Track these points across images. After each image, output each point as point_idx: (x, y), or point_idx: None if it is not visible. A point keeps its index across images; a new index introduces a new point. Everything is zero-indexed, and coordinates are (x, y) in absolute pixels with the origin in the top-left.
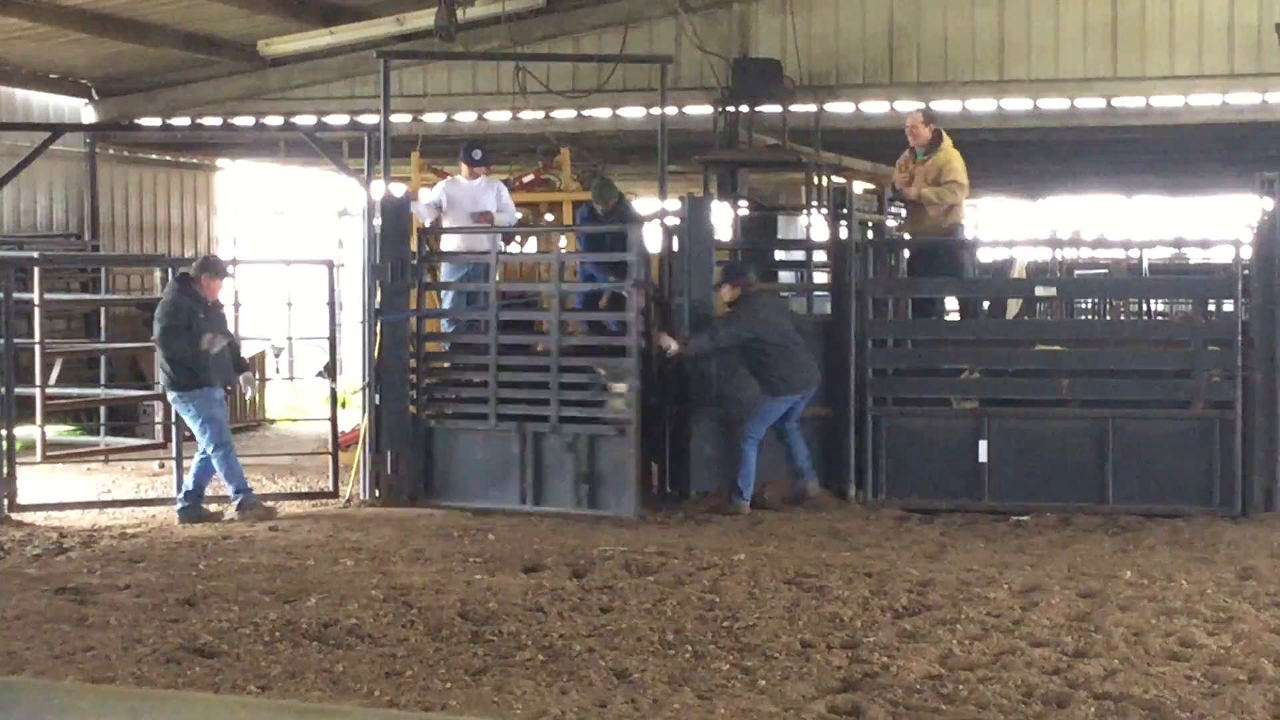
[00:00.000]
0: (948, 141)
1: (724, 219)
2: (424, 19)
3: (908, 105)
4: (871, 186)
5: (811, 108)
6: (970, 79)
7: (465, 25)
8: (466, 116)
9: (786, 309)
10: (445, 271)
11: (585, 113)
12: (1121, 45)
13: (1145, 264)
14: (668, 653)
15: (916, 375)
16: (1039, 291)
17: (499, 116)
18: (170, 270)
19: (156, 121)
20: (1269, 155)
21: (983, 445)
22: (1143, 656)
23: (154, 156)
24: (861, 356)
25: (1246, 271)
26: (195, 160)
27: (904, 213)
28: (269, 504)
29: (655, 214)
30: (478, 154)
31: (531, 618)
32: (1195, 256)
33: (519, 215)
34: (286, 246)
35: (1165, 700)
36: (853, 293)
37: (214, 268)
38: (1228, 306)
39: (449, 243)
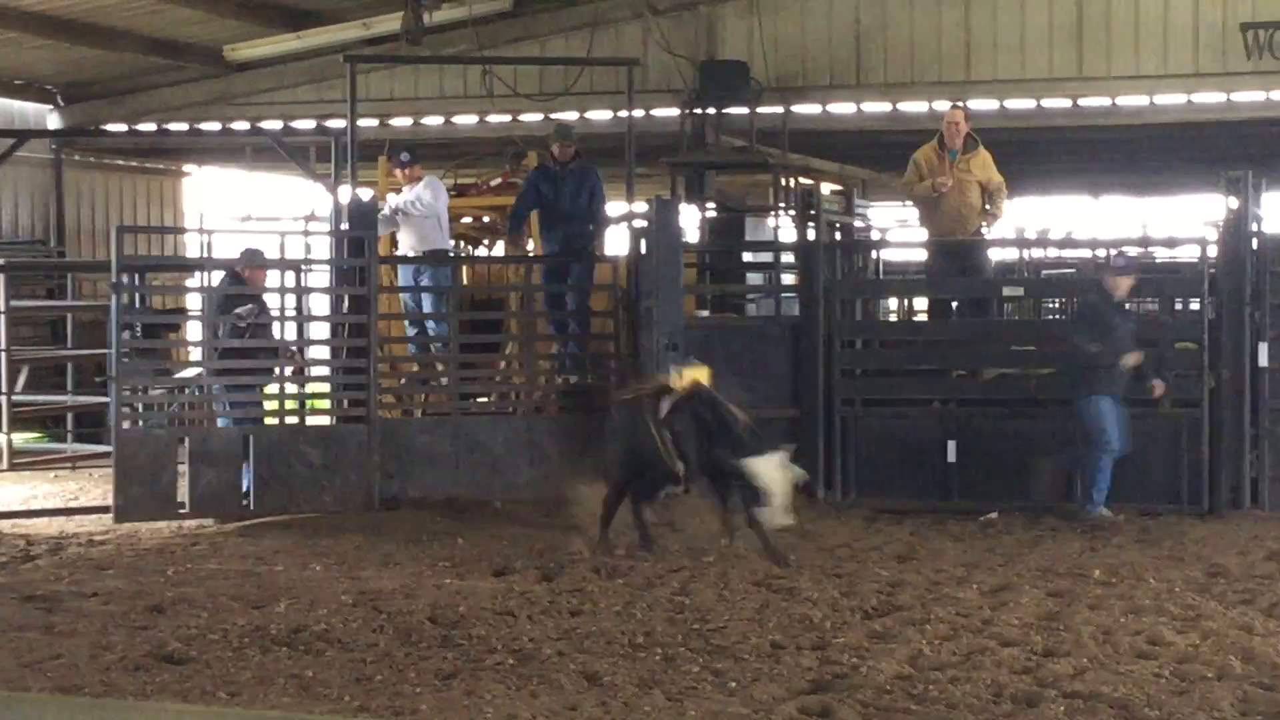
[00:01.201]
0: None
1: (692, 221)
2: (391, 23)
3: (875, 106)
4: (839, 188)
5: (778, 109)
6: (937, 80)
7: (432, 29)
8: (434, 120)
9: None
10: (401, 276)
11: (552, 115)
12: (1087, 45)
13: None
14: (638, 655)
15: (885, 376)
16: (1006, 291)
17: (466, 120)
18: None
19: (123, 127)
20: (1234, 154)
21: (951, 445)
22: (1112, 655)
23: (120, 162)
24: (830, 357)
25: (1213, 270)
26: (162, 166)
27: (917, 210)
28: None
29: (623, 216)
30: (405, 156)
31: (501, 621)
32: (1162, 255)
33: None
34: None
35: (1134, 698)
36: (821, 294)
37: (255, 258)
38: (1194, 305)
39: (405, 250)
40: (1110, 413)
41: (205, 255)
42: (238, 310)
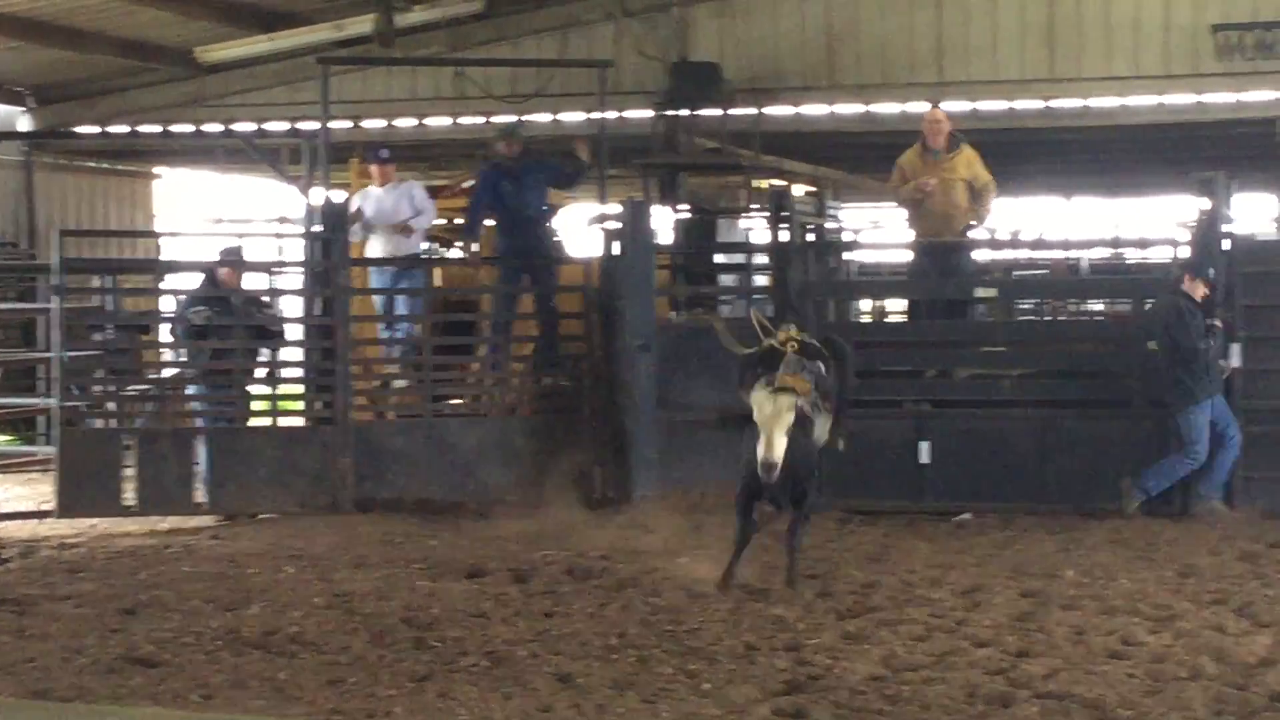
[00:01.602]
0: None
1: (664, 223)
2: (363, 25)
3: (847, 108)
4: (812, 189)
5: (751, 111)
6: (909, 81)
7: (404, 31)
8: (406, 122)
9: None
10: (374, 280)
11: (525, 117)
12: (1059, 47)
13: (1085, 264)
14: (611, 657)
15: (859, 377)
16: (979, 293)
17: (439, 122)
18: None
19: (94, 129)
20: (1205, 156)
21: (924, 446)
22: (1085, 655)
23: (92, 165)
24: None
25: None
26: (133, 168)
27: (907, 212)
28: None
29: (596, 218)
30: (384, 153)
31: (475, 623)
32: (1134, 257)
33: (435, 214)
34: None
35: (1108, 699)
36: (794, 295)
37: (229, 258)
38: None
39: (379, 253)
40: (1207, 424)
41: (159, 258)
42: (189, 312)
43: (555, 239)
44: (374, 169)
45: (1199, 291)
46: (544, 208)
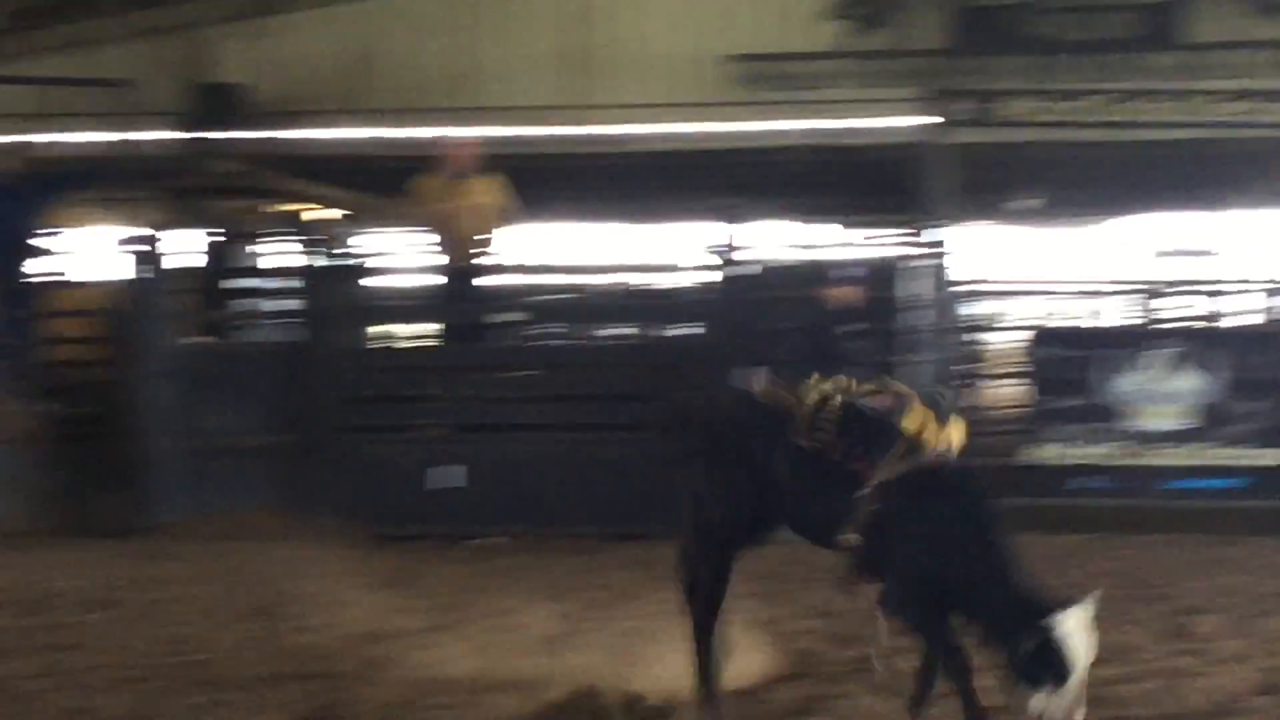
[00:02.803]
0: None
1: (187, 246)
2: None
3: (374, 132)
4: (338, 212)
5: (277, 134)
6: (436, 105)
7: None
8: None
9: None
10: None
11: (44, 137)
12: (586, 73)
13: (611, 290)
14: (128, 689)
15: (384, 401)
16: (507, 318)
17: None
18: None
19: None
20: (725, 183)
21: (457, 470)
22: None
23: None
24: (325, 383)
25: (705, 297)
26: None
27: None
28: None
29: (116, 241)
30: None
31: None
32: (656, 282)
33: None
34: None
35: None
36: (318, 319)
37: None
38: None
39: None
40: None
41: None
42: None
43: (64, 261)
44: None
45: (841, 297)
46: (39, 229)
